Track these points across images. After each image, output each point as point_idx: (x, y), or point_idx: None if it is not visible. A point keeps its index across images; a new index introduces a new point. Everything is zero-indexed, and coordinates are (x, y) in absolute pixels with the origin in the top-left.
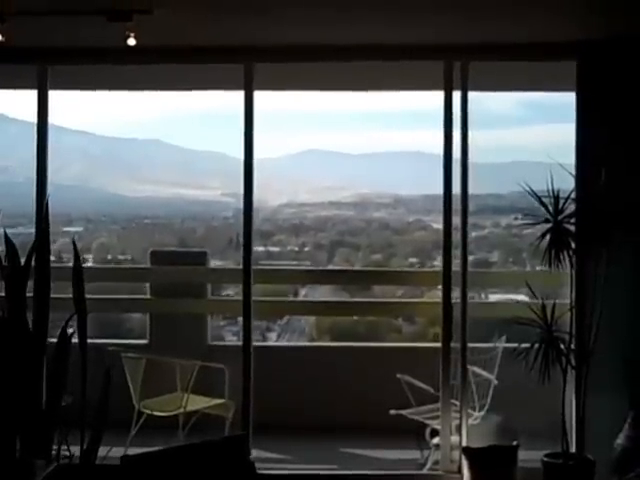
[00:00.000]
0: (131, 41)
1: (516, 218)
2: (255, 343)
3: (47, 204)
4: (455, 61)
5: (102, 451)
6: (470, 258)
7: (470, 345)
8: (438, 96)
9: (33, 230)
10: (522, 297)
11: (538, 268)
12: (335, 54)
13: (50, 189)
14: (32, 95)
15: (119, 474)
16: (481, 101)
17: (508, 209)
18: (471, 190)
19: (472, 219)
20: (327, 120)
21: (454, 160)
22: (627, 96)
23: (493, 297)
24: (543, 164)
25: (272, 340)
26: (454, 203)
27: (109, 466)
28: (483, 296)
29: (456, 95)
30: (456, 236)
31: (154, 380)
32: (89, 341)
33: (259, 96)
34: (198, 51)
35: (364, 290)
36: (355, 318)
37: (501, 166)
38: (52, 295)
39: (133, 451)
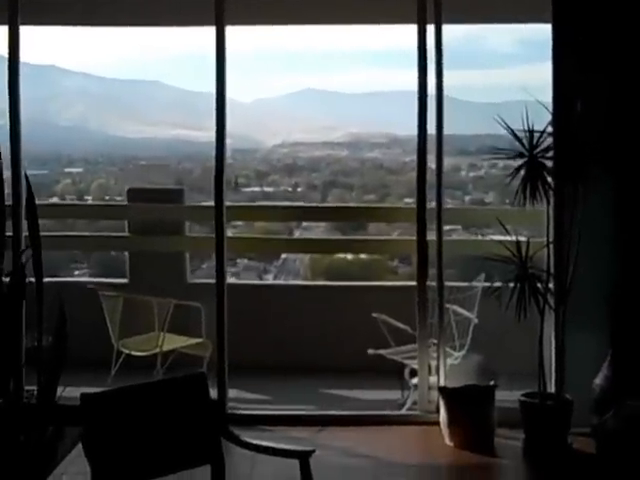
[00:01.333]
0: None
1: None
2: (230, 281)
3: None
4: None
5: (80, 392)
6: (466, 198)
7: (449, 284)
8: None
9: (36, 171)
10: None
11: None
12: None
13: (51, 130)
14: (29, 36)
15: (78, 412)
16: (482, 40)
17: (499, 148)
18: (470, 131)
19: (470, 159)
20: (324, 59)
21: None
22: (604, 26)
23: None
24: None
25: (269, 281)
26: (446, 143)
27: (69, 406)
28: (479, 236)
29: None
30: (453, 176)
31: (132, 319)
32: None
33: (253, 34)
34: None
35: (358, 230)
36: (349, 258)
37: (500, 106)
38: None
39: None
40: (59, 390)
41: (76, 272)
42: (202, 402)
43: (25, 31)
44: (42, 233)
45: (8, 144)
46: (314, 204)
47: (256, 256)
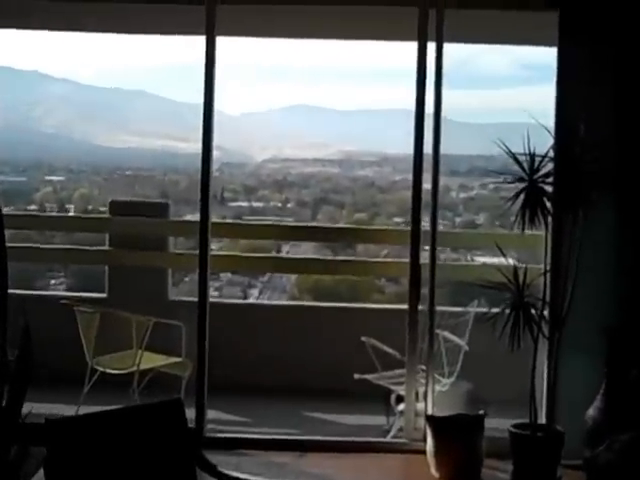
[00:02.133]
0: None
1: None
2: (213, 299)
3: None
4: (430, 8)
5: (52, 408)
6: (457, 220)
7: (441, 309)
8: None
9: (15, 178)
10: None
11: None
12: None
13: (33, 137)
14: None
15: (42, 436)
16: (477, 60)
17: (497, 171)
18: (461, 151)
19: (461, 180)
20: (316, 75)
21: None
22: (610, 50)
23: (480, 259)
24: (538, 126)
25: (254, 296)
26: (440, 163)
27: (35, 424)
28: (469, 258)
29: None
30: (443, 197)
31: (109, 336)
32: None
33: (247, 47)
34: None
35: (348, 249)
36: (337, 277)
37: (495, 127)
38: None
39: (85, 409)
40: (29, 407)
41: (52, 281)
42: (177, 430)
43: (7, 35)
44: (19, 244)
45: None
46: (302, 223)
47: (241, 270)
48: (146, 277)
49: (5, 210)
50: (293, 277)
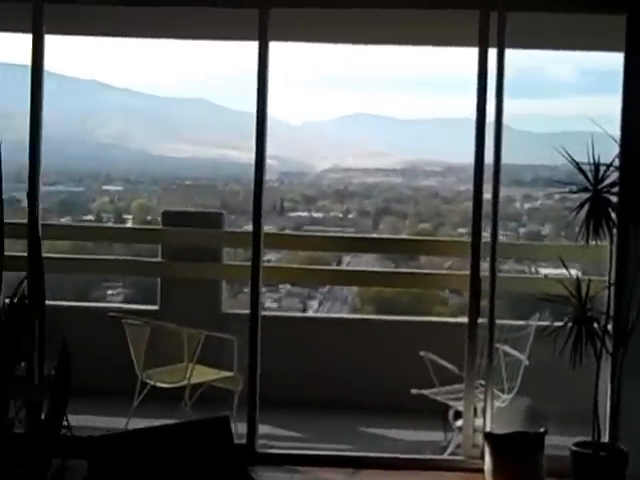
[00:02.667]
0: None
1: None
2: (266, 313)
3: None
4: (491, 11)
5: (105, 421)
6: (521, 230)
7: (500, 322)
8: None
9: (73, 188)
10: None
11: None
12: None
13: (90, 146)
14: (72, 49)
15: (84, 453)
16: (540, 68)
17: (562, 181)
18: (525, 160)
19: (525, 190)
20: (378, 84)
21: (504, 127)
22: None
23: (545, 271)
24: (602, 135)
25: (313, 308)
26: (503, 173)
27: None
28: (533, 269)
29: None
30: (507, 207)
31: (160, 349)
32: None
33: (307, 55)
34: None
35: (410, 260)
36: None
37: (558, 135)
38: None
39: (135, 422)
40: (80, 419)
41: (109, 292)
42: (224, 448)
43: (64, 43)
44: (74, 256)
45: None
46: (360, 234)
47: (298, 282)
48: (199, 289)
49: (63, 220)
50: (355, 288)
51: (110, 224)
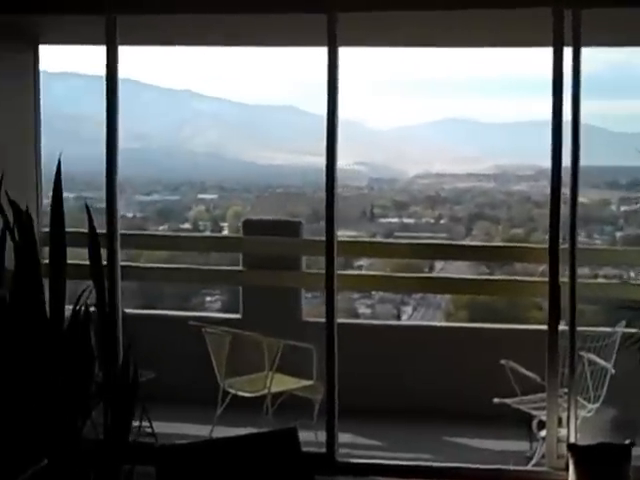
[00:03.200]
0: None
1: None
2: (343, 320)
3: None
4: (565, 8)
5: (190, 429)
6: (618, 234)
7: (582, 329)
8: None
9: (169, 197)
10: None
11: None
12: (427, 1)
13: (185, 155)
14: (165, 60)
15: (155, 461)
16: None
17: None
18: (621, 162)
19: (622, 193)
20: (468, 87)
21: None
22: None
23: None
24: None
25: (407, 314)
26: (593, 175)
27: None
28: (632, 274)
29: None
30: (601, 210)
31: (241, 357)
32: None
33: (393, 60)
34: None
35: (505, 265)
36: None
37: None
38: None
39: (219, 430)
40: (165, 427)
41: (207, 299)
42: (292, 460)
43: (158, 53)
44: (155, 265)
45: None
46: (443, 241)
47: (388, 290)
48: (280, 297)
49: (161, 228)
50: None
51: (188, 234)
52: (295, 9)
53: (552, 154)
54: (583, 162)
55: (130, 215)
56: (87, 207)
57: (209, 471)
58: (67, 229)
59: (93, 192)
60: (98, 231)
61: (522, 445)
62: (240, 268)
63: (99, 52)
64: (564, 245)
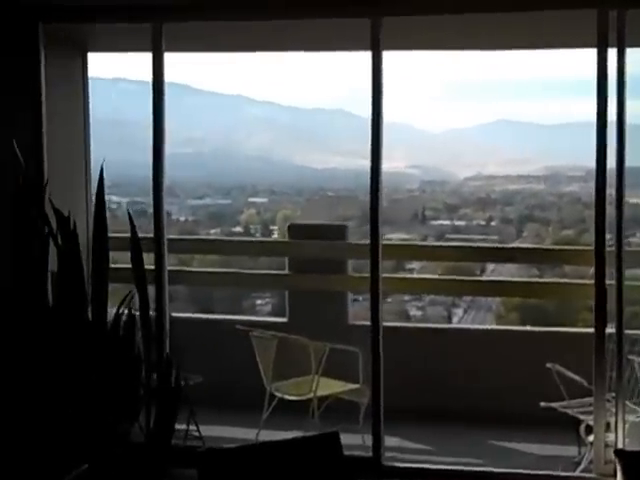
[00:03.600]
0: None
1: None
2: (390, 323)
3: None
4: (610, 9)
5: (236, 432)
6: None
7: (630, 332)
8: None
9: (221, 201)
10: None
11: None
12: (471, 4)
13: (236, 159)
14: (217, 65)
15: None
16: None
17: None
18: None
19: None
20: (518, 88)
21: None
22: None
23: None
24: None
25: (458, 316)
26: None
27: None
28: None
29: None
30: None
31: (287, 361)
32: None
33: (441, 63)
34: (318, 4)
35: (556, 267)
36: None
37: None
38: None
39: (265, 434)
40: (212, 430)
41: (258, 302)
42: (334, 463)
43: (211, 59)
44: (203, 269)
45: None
46: (496, 244)
47: (438, 293)
48: (326, 301)
49: (212, 232)
50: None
51: (258, 237)
52: (340, 14)
53: (597, 155)
54: (630, 163)
55: (182, 219)
56: (129, 212)
57: (251, 475)
58: (119, 234)
59: (146, 197)
60: (147, 235)
61: (569, 450)
62: (286, 272)
63: (149, 58)
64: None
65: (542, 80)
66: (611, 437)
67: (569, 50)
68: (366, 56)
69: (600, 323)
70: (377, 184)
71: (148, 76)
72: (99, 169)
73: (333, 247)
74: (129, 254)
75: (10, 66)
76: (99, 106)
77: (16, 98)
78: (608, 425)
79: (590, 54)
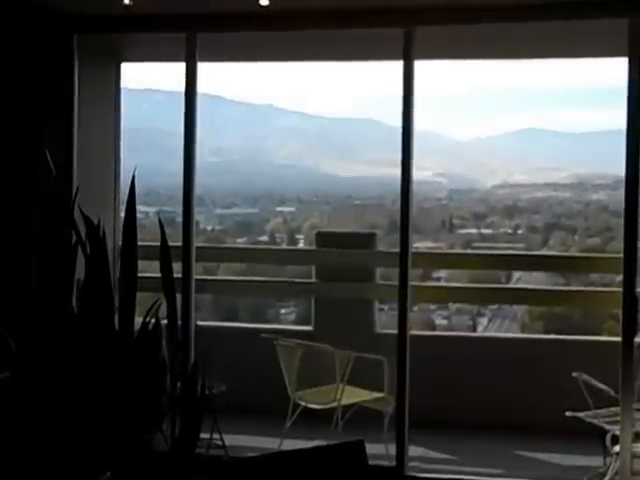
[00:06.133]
0: (264, 1)
1: None
2: (417, 332)
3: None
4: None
5: (259, 441)
6: None
7: None
8: None
9: (248, 210)
10: None
11: None
12: (503, 13)
13: (264, 168)
14: (251, 76)
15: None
16: None
17: None
18: None
19: None
20: (547, 98)
21: None
22: None
23: None
24: None
25: (483, 325)
26: None
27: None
28: None
29: None
30: None
31: (312, 369)
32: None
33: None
34: (352, 14)
35: (581, 275)
36: None
37: None
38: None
39: (288, 443)
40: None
41: (282, 311)
42: (358, 471)
43: (242, 70)
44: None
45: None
46: (522, 252)
47: (464, 301)
48: (353, 309)
49: (239, 240)
50: None
51: (261, 246)
52: (374, 24)
53: (626, 163)
54: None
55: (209, 228)
56: (160, 220)
57: None
58: (148, 243)
59: (175, 206)
60: (176, 244)
61: (595, 460)
62: (313, 280)
63: (180, 69)
64: None
65: (570, 88)
66: (638, 447)
67: (597, 59)
68: (394, 65)
69: (628, 331)
70: (407, 192)
71: (178, 86)
72: (129, 177)
73: (361, 255)
74: (154, 263)
75: (45, 77)
76: (129, 114)
77: (49, 108)
78: (635, 435)
79: (619, 63)
